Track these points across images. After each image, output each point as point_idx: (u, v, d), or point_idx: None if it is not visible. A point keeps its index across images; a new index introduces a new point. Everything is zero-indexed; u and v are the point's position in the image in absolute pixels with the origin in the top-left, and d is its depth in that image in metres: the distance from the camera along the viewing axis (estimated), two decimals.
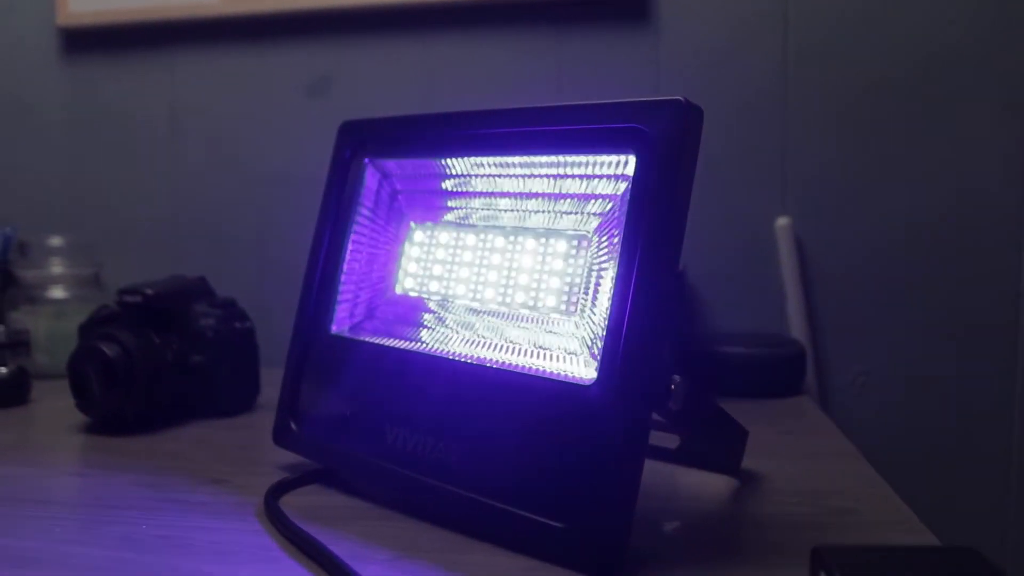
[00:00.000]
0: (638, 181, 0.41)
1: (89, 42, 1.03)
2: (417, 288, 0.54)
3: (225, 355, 0.70)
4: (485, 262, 0.50)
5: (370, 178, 0.56)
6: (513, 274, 0.49)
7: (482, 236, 0.51)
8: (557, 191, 0.47)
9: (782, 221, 0.86)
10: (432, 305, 0.52)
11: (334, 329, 0.54)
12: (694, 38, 0.89)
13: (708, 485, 0.51)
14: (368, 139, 0.56)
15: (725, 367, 0.76)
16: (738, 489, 0.51)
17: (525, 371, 0.43)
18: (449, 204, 0.53)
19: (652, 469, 0.46)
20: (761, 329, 0.87)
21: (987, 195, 0.84)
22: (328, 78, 0.97)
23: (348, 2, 0.94)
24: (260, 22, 0.97)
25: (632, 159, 0.42)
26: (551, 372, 0.43)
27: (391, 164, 0.55)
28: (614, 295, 0.40)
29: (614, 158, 0.43)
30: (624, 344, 0.39)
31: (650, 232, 0.40)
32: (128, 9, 1.00)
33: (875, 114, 0.85)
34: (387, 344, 0.51)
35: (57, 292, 0.91)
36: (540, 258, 0.48)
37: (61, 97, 1.04)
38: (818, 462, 0.57)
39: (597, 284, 0.44)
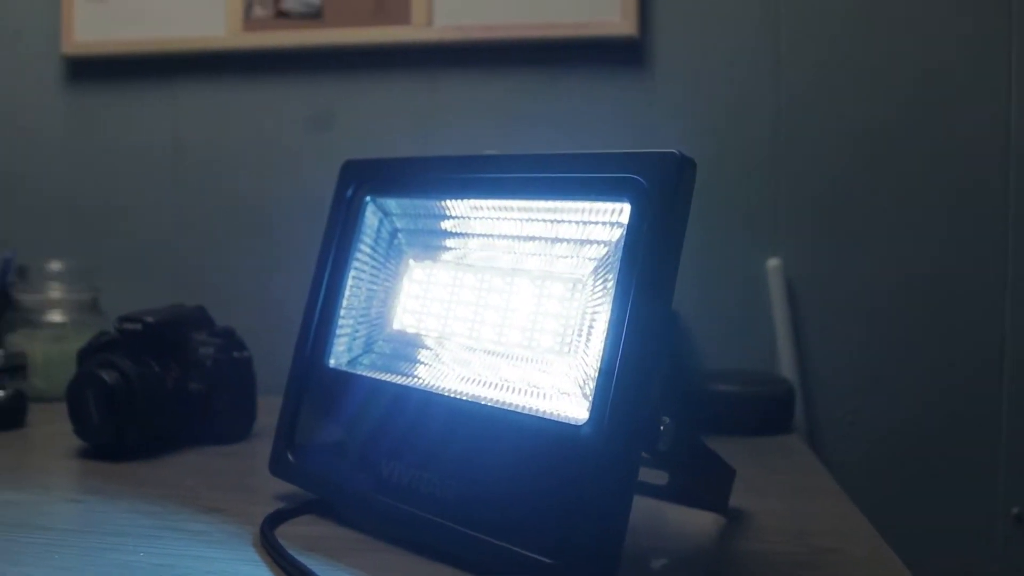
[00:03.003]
0: (632, 229, 0.43)
1: (93, 71, 1.05)
2: (415, 324, 0.55)
3: (223, 384, 0.71)
4: (483, 301, 0.52)
5: (371, 216, 0.57)
6: (510, 314, 0.50)
7: (480, 276, 0.52)
8: (554, 235, 0.48)
9: (773, 262, 0.88)
10: (429, 342, 0.54)
11: (332, 363, 0.55)
12: (688, 81, 0.91)
13: (695, 522, 0.53)
14: (369, 178, 0.57)
15: (716, 405, 0.78)
16: (725, 526, 0.52)
17: (519, 409, 0.45)
18: (448, 244, 0.55)
19: (641, 505, 0.47)
20: (752, 368, 0.88)
21: (975, 241, 0.86)
22: (330, 112, 0.99)
23: (350, 40, 0.96)
24: (264, 56, 1.00)
25: (627, 207, 0.43)
26: (544, 411, 0.44)
27: (391, 203, 0.57)
28: (607, 338, 0.42)
29: (610, 206, 0.45)
30: (615, 386, 0.40)
31: (642, 278, 0.41)
32: (133, 40, 1.02)
33: (867, 158, 0.88)
34: (383, 379, 0.52)
35: (56, 316, 0.92)
36: (536, 300, 0.49)
37: (64, 124, 1.06)
38: (804, 501, 0.58)
39: (591, 327, 0.45)
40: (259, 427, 0.74)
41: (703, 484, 0.52)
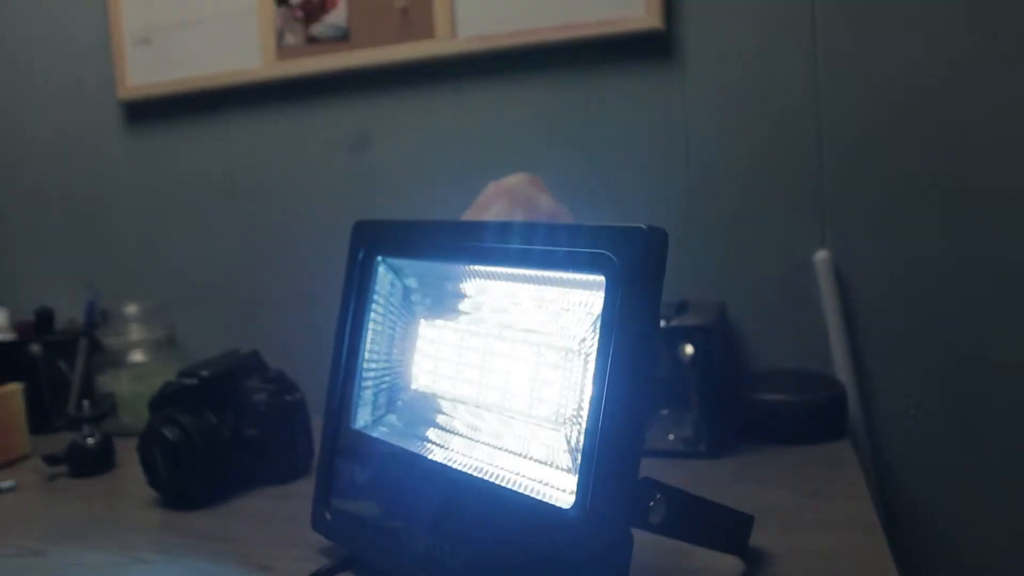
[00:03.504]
0: (607, 304, 0.43)
1: (148, 112, 1.10)
2: (431, 385, 0.57)
3: (277, 427, 0.76)
4: (487, 365, 0.53)
5: (383, 275, 0.59)
6: (512, 379, 0.51)
7: (484, 340, 0.53)
8: (544, 301, 0.49)
9: (821, 255, 0.85)
10: (444, 404, 0.55)
11: (356, 425, 0.58)
12: (720, 72, 0.87)
13: (710, 568, 0.53)
14: (380, 239, 0.59)
15: (762, 414, 0.77)
16: (743, 573, 0.52)
17: (516, 487, 0.46)
18: (453, 304, 0.56)
19: (658, 543, 0.48)
20: (802, 367, 0.85)
21: None
22: (367, 133, 1.01)
23: (378, 60, 0.97)
24: (297, 83, 1.02)
25: (603, 280, 0.43)
26: (538, 489, 0.45)
27: (402, 263, 0.58)
28: (588, 417, 0.42)
29: (588, 278, 0.45)
30: (595, 469, 0.41)
31: (617, 354, 0.42)
32: (180, 80, 1.06)
33: (914, 142, 0.82)
34: (400, 445, 0.54)
35: (137, 356, 0.99)
36: (534, 367, 0.50)
37: (127, 164, 1.12)
38: (832, 536, 0.56)
39: (580, 399, 0.45)
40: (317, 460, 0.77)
41: (715, 536, 0.52)
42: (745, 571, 0.52)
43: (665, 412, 0.75)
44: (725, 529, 0.51)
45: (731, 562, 0.53)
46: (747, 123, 0.87)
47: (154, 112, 1.10)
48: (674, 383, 0.74)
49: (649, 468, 0.70)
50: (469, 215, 0.79)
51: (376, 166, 1.01)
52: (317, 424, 0.75)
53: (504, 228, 0.50)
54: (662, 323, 0.74)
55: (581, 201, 0.91)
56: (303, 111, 1.03)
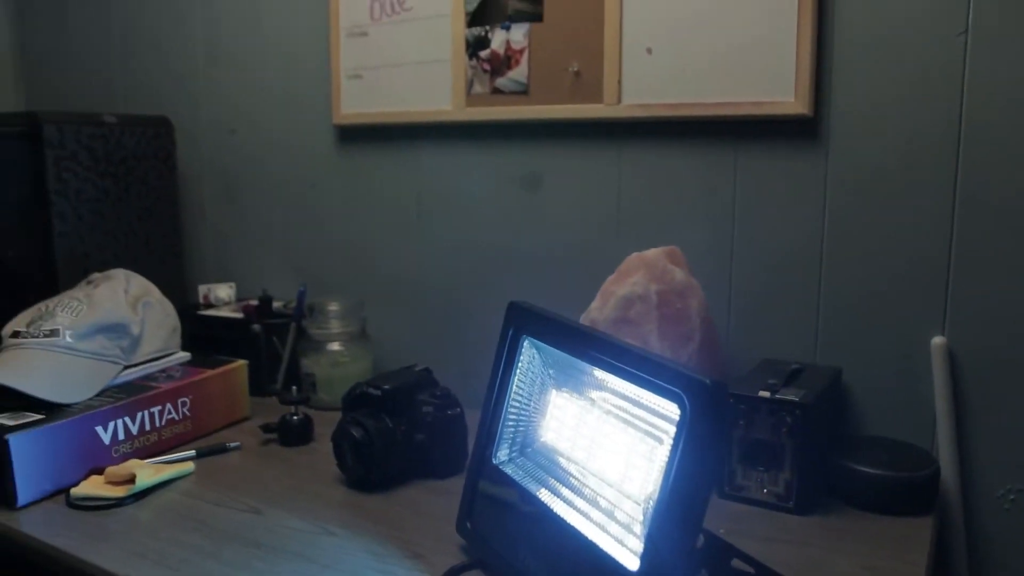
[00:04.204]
0: (679, 428, 0.55)
1: (356, 137, 1.30)
2: (553, 441, 0.72)
3: (440, 435, 0.94)
4: (597, 438, 0.67)
5: (527, 350, 0.74)
6: (612, 455, 0.65)
7: (598, 417, 0.68)
8: (641, 404, 0.62)
9: (938, 340, 0.91)
10: (561, 460, 0.71)
11: (496, 460, 0.74)
12: (861, 160, 0.94)
13: None
14: (527, 321, 0.74)
15: (854, 481, 0.86)
16: None
17: (598, 543, 0.61)
18: (577, 384, 0.70)
19: None
20: (908, 439, 0.93)
21: None
22: (538, 175, 1.16)
23: (551, 115, 1.11)
24: (482, 126, 1.18)
25: (676, 408, 0.56)
26: (613, 549, 0.59)
27: (541, 344, 0.73)
28: (654, 511, 0.56)
29: (667, 403, 0.58)
30: (655, 544, 0.55)
31: (679, 471, 0.54)
32: (384, 112, 1.25)
33: None
34: (524, 485, 0.70)
35: (334, 346, 1.21)
36: (629, 449, 0.64)
37: (337, 178, 1.33)
38: None
39: (655, 490, 0.59)
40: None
41: None
42: None
43: (762, 469, 0.86)
44: None
45: None
46: (882, 207, 0.93)
47: (361, 136, 1.30)
48: (772, 445, 0.85)
49: (740, 514, 0.85)
50: (611, 280, 0.92)
51: (541, 204, 1.15)
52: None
53: (614, 347, 0.63)
54: (766, 394, 0.85)
55: (718, 267, 1.02)
56: (484, 150, 1.19)
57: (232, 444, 1.04)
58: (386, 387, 0.94)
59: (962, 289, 0.90)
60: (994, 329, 0.89)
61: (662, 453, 0.60)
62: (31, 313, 1.05)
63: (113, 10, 1.57)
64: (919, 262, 0.92)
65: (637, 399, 0.63)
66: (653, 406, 0.62)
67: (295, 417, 1.06)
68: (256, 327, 1.25)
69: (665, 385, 0.57)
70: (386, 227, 1.30)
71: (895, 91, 0.91)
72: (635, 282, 0.89)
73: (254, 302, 1.30)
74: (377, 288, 1.31)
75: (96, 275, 1.16)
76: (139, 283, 1.15)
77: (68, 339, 1.01)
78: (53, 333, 1.01)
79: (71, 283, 1.18)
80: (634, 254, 0.92)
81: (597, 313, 0.90)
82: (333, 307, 1.22)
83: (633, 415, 0.65)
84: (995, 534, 0.91)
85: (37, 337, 1.00)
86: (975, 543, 0.92)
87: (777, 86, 0.96)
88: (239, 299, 1.39)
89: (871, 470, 0.86)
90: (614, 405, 0.67)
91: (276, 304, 1.31)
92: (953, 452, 0.90)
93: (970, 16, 0.87)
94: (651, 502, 0.59)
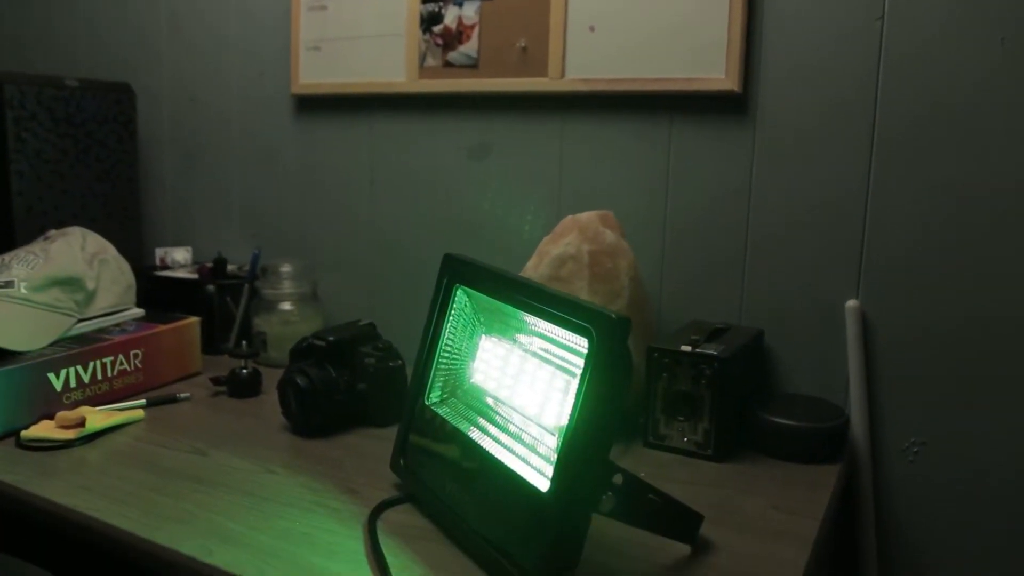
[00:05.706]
0: (588, 359, 0.61)
1: (314, 106, 1.34)
2: (482, 382, 0.77)
3: (381, 385, 0.98)
4: (521, 376, 0.72)
5: (460, 298, 0.79)
6: (533, 391, 0.70)
7: (521, 357, 0.73)
8: (558, 341, 0.67)
9: (851, 303, 0.97)
10: (488, 399, 0.75)
11: (428, 401, 0.79)
12: (786, 134, 1.00)
13: (659, 549, 0.70)
14: (460, 271, 0.78)
15: (768, 432, 0.92)
16: (684, 556, 0.69)
17: (518, 471, 0.65)
18: (506, 330, 0.75)
19: (618, 526, 0.66)
20: (824, 396, 0.99)
21: None
22: (486, 144, 1.20)
23: (499, 88, 1.15)
24: (434, 98, 1.22)
25: (586, 342, 0.61)
26: (531, 477, 0.64)
27: (473, 292, 0.78)
28: (565, 432, 0.61)
29: (579, 338, 0.63)
30: (562, 472, 0.60)
31: (586, 399, 0.60)
32: (340, 83, 1.29)
33: (960, 210, 0.93)
34: (454, 424, 0.75)
35: (286, 305, 1.24)
36: (548, 384, 0.69)
37: (294, 148, 1.37)
38: (770, 544, 0.72)
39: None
40: None
41: (670, 522, 0.69)
42: (688, 556, 0.69)
43: (683, 419, 0.92)
44: (677, 521, 0.69)
45: (680, 548, 0.70)
46: (803, 177, 0.99)
47: (318, 106, 1.34)
48: (693, 397, 0.91)
49: (663, 461, 0.90)
50: (547, 240, 0.97)
51: (488, 172, 1.20)
52: None
53: (534, 289, 0.68)
54: (688, 348, 0.90)
55: (651, 233, 1.08)
56: (435, 121, 1.24)
57: (182, 395, 1.08)
58: (331, 339, 0.98)
59: (875, 255, 0.97)
60: (904, 293, 0.96)
61: (575, 386, 0.65)
62: None
63: None
64: (836, 230, 0.99)
65: (555, 337, 0.68)
66: (569, 343, 0.67)
67: (244, 371, 1.10)
68: (210, 287, 1.29)
69: (577, 321, 0.62)
70: (340, 193, 1.34)
71: (818, 73, 0.97)
72: (568, 242, 0.94)
73: (209, 264, 1.33)
74: (331, 252, 1.35)
75: (53, 232, 1.18)
76: (95, 240, 1.18)
77: (23, 290, 1.04)
78: (8, 284, 1.04)
79: (28, 241, 1.20)
80: (569, 217, 0.97)
81: (532, 271, 0.95)
82: (285, 268, 1.25)
83: (552, 354, 0.70)
84: (900, 483, 0.97)
85: None
86: (882, 491, 0.98)
87: (710, 64, 1.02)
88: (195, 263, 1.42)
89: (784, 420, 0.92)
90: (538, 347, 0.72)
91: (231, 267, 1.34)
92: (863, 408, 0.97)
93: (886, 5, 0.93)
94: (560, 432, 0.64)
